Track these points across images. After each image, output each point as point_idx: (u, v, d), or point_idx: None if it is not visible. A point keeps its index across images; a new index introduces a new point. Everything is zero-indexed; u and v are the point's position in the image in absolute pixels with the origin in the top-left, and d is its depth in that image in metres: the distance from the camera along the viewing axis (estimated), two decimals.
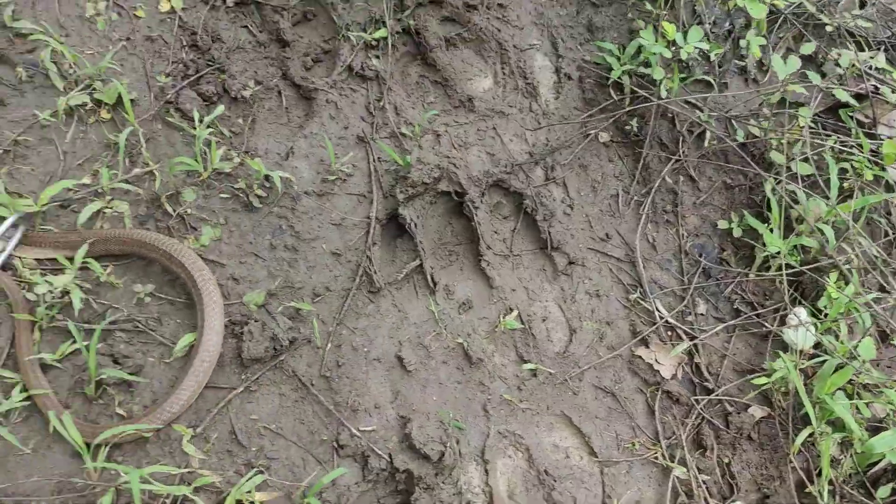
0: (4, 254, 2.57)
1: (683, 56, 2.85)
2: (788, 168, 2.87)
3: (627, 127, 3.08)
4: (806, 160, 2.88)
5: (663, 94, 2.93)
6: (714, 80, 3.10)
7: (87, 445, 2.31)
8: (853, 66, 3.13)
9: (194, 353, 2.52)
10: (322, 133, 2.98)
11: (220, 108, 2.90)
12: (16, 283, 2.55)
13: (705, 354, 2.84)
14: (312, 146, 2.95)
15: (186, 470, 2.38)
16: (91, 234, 2.64)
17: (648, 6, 3.22)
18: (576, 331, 2.84)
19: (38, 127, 2.81)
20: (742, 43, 3.13)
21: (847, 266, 2.70)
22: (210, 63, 3.01)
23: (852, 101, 2.97)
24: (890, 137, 3.04)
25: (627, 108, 3.07)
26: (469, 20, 3.24)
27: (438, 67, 3.16)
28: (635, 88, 3.07)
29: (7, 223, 2.58)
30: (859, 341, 2.66)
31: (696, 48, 2.86)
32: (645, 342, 2.84)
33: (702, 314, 2.90)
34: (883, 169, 2.88)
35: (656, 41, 2.88)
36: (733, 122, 3.06)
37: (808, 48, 2.94)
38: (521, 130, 3.12)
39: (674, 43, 2.87)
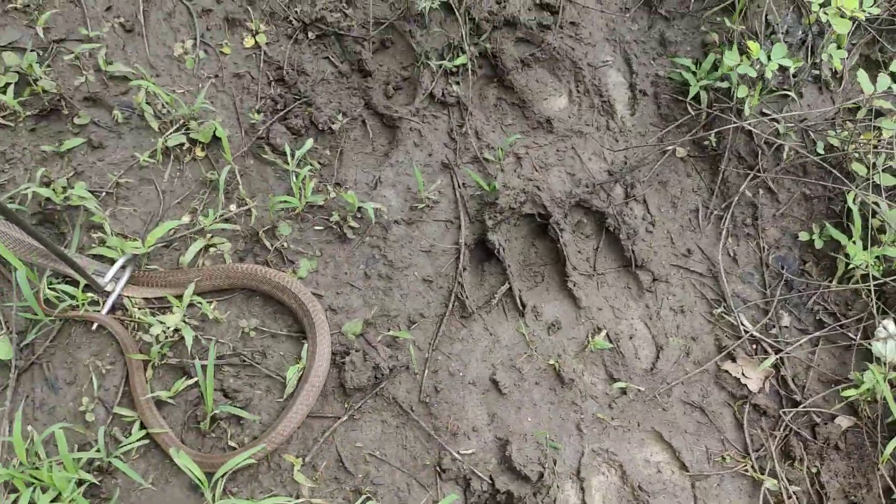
0: (114, 294, 2.53)
1: (768, 75, 2.68)
2: (871, 179, 2.70)
3: (706, 142, 2.92)
4: (889, 171, 2.70)
5: (747, 111, 2.76)
6: (792, 91, 2.93)
7: (208, 477, 2.27)
8: None
9: (304, 377, 2.47)
10: (407, 161, 2.88)
11: (310, 142, 2.81)
12: (122, 324, 2.50)
13: (791, 366, 2.71)
14: (398, 175, 2.85)
15: (300, 500, 2.33)
16: (197, 272, 2.59)
17: (724, 20, 3.05)
18: (662, 347, 2.73)
19: (137, 168, 2.76)
20: (817, 51, 2.95)
21: None
22: (297, 97, 2.92)
23: None
24: None
25: (709, 128, 2.91)
26: (542, 40, 3.10)
27: (516, 89, 3.04)
28: (715, 105, 2.92)
29: (117, 265, 2.53)
30: None
31: (780, 63, 2.69)
32: (731, 356, 2.71)
33: (786, 326, 2.77)
34: None
35: (741, 60, 2.71)
36: (811, 133, 2.89)
37: None
38: (599, 149, 2.98)
39: (756, 60, 2.70)
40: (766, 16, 3.01)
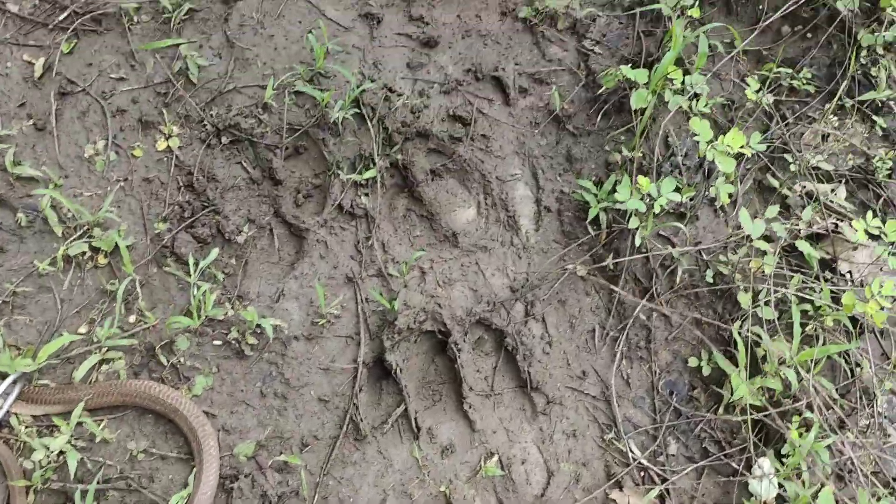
0: (1, 412, 2.30)
1: (656, 210, 2.56)
2: (750, 310, 2.59)
3: (604, 262, 2.79)
4: (770, 302, 2.59)
5: (637, 242, 2.64)
6: (687, 215, 2.81)
7: None
8: (815, 200, 2.85)
9: None
10: (312, 273, 2.70)
11: (215, 253, 2.62)
12: (7, 445, 2.29)
13: (676, 496, 2.57)
14: (303, 287, 2.68)
15: None
16: (89, 389, 2.38)
17: (623, 140, 2.94)
18: (553, 473, 2.57)
19: (36, 275, 2.54)
20: (713, 175, 2.84)
21: (808, 414, 2.44)
22: (205, 204, 2.73)
23: (813, 253, 2.66)
24: (849, 272, 2.77)
25: (609, 247, 2.80)
26: (454, 152, 2.96)
27: (424, 202, 2.88)
28: (615, 226, 2.80)
29: (6, 382, 2.31)
30: (819, 488, 2.40)
31: (668, 198, 2.58)
32: (619, 484, 2.57)
33: (673, 455, 2.63)
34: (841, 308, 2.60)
35: (631, 194, 2.58)
36: (703, 255, 2.77)
37: (772, 211, 2.63)
38: (502, 265, 2.83)
39: (647, 194, 2.58)
40: (667, 138, 2.91)
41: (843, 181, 2.95)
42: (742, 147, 2.57)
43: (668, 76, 2.72)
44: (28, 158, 2.71)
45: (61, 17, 2.95)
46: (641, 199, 2.58)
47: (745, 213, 2.51)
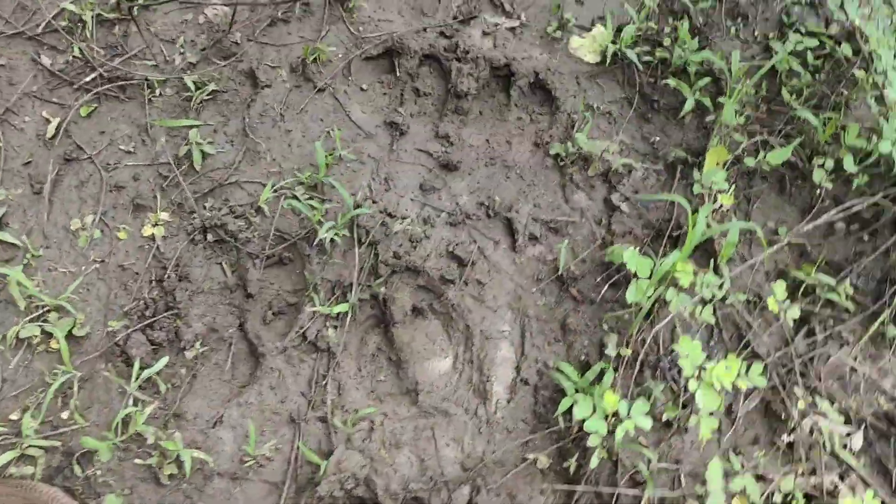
0: None
1: (618, 436, 2.13)
2: None
3: (566, 463, 2.39)
4: None
5: (594, 463, 2.22)
6: (672, 422, 2.39)
7: None
8: (822, 445, 2.35)
9: None
10: (258, 403, 2.43)
11: (162, 362, 2.40)
12: None
13: None
14: (244, 417, 2.41)
15: None
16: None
17: (624, 320, 2.53)
18: None
19: None
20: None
21: None
22: (169, 306, 2.49)
23: None
24: None
25: (578, 444, 2.39)
26: (443, 293, 2.61)
27: (397, 345, 2.55)
28: None
29: None
30: None
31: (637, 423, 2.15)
32: None
33: None
34: None
35: (594, 411, 2.17)
36: (681, 479, 2.34)
37: (749, 485, 2.15)
38: (459, 436, 2.47)
39: (613, 415, 2.17)
40: (674, 329, 2.47)
41: (864, 426, 2.44)
42: (736, 379, 2.13)
43: (675, 274, 2.29)
44: (17, 221, 2.55)
45: (88, 79, 2.77)
46: (606, 417, 2.16)
47: (714, 469, 2.06)
